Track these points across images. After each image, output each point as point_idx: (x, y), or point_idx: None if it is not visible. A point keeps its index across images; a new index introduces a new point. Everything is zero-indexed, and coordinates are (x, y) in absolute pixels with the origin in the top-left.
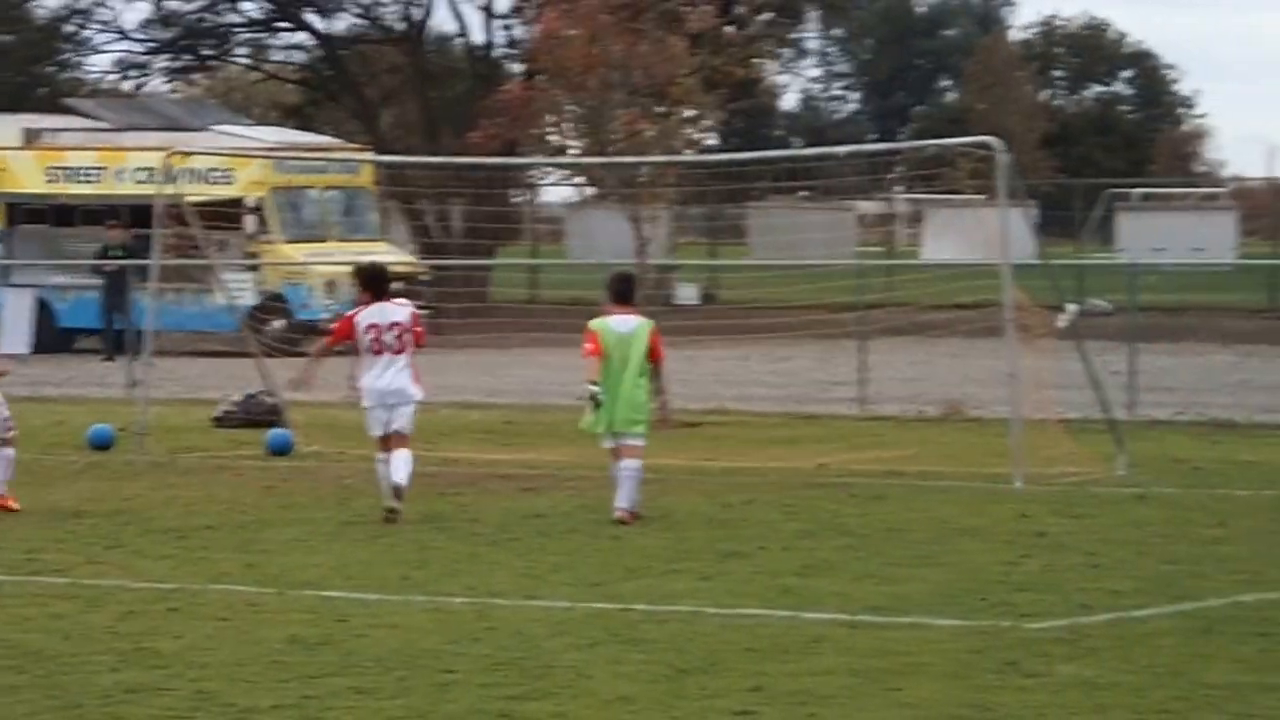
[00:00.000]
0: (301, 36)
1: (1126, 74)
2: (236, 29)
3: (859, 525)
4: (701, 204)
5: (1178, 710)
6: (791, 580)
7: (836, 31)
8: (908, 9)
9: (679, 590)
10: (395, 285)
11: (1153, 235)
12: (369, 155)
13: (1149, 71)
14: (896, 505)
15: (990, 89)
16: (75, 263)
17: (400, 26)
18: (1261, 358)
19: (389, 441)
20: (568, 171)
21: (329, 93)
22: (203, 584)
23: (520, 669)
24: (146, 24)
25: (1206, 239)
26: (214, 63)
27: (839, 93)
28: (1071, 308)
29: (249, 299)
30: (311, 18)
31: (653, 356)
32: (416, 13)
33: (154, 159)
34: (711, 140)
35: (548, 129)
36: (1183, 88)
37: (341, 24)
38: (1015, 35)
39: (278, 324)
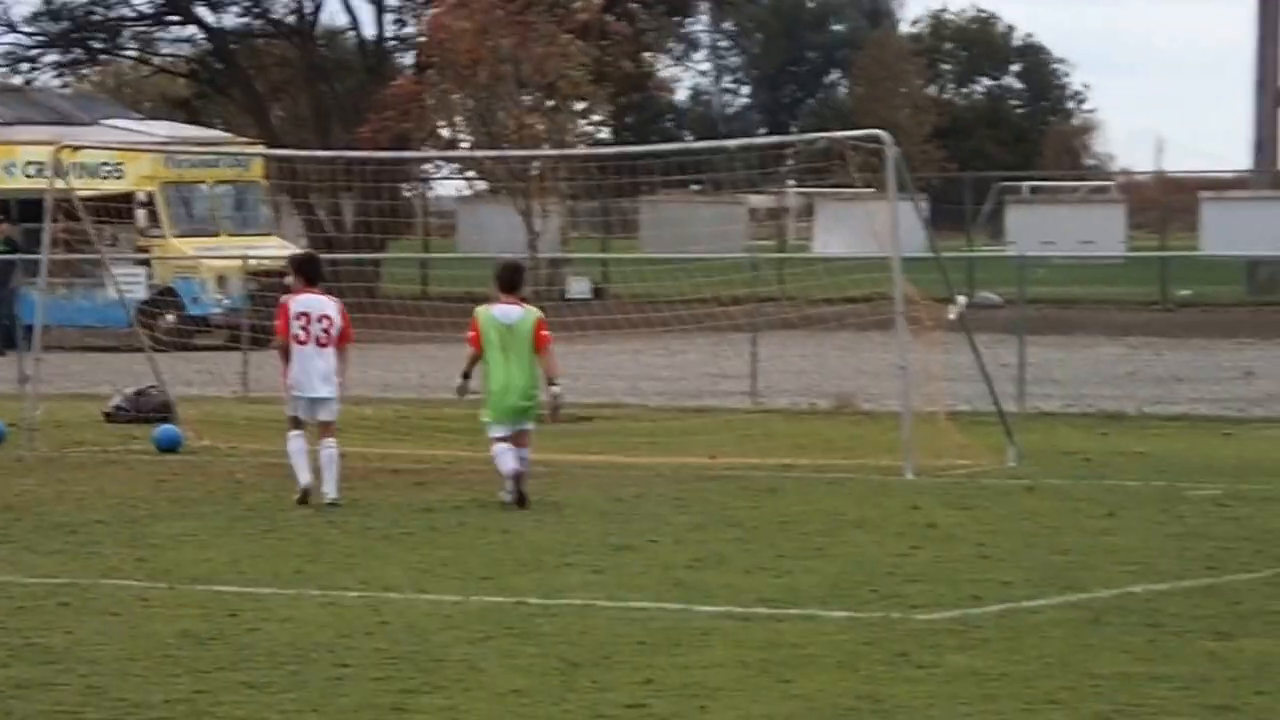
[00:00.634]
0: (191, 30)
1: (1016, 68)
2: (126, 22)
3: (750, 518)
4: (593, 198)
5: (1067, 700)
6: (683, 573)
7: (727, 25)
8: (798, 3)
9: (571, 583)
10: (286, 280)
11: (1042, 228)
12: (260, 149)
13: (1038, 65)
14: (788, 498)
15: (879, 83)
16: None
17: (290, 20)
18: (1150, 350)
19: (323, 430)
20: (459, 165)
21: (219, 87)
22: (93, 579)
23: (413, 663)
24: (35, 17)
25: (1095, 232)
26: (104, 57)
27: (730, 86)
28: (960, 300)
29: (140, 294)
30: (201, 11)
31: (539, 346)
32: (307, 6)
33: (43, 153)
34: (603, 134)
35: (438, 123)
36: (1072, 81)
37: (231, 18)
38: (904, 29)
39: (169, 319)
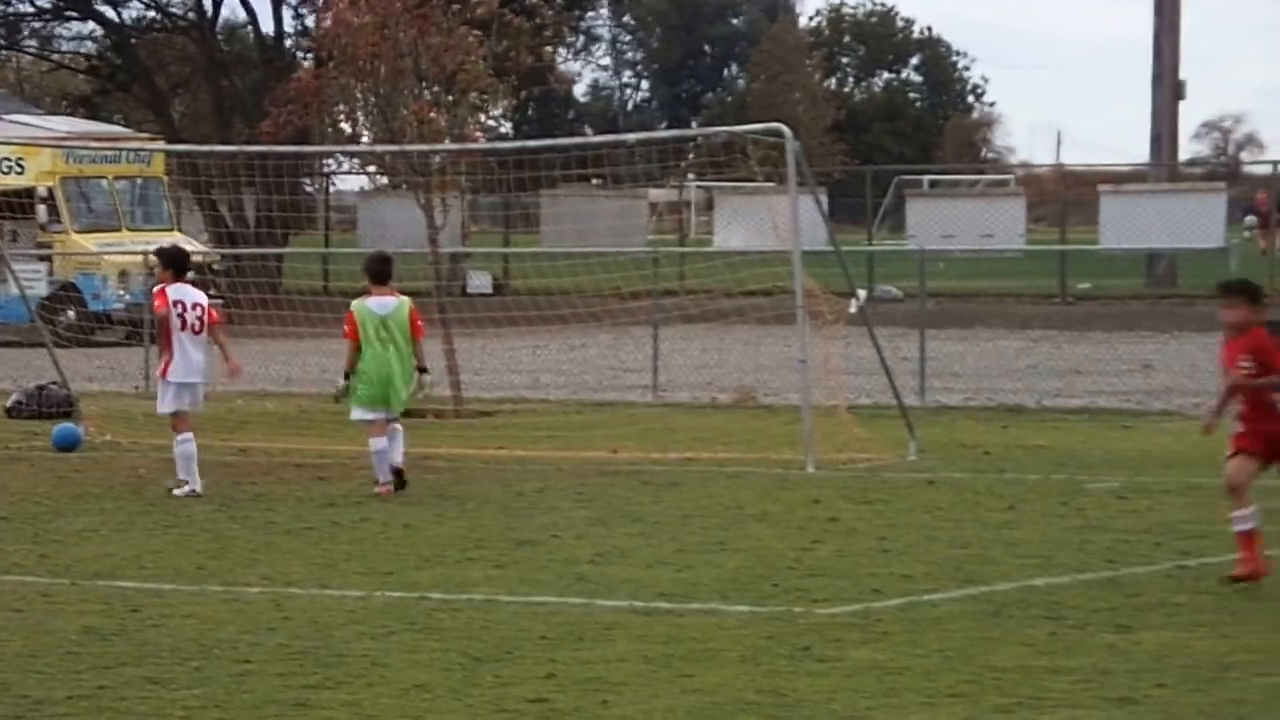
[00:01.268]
0: (92, 26)
1: (915, 61)
2: (26, 18)
3: (652, 512)
4: (493, 192)
5: (968, 693)
6: (585, 568)
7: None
8: None
9: (473, 578)
10: (190, 275)
11: (942, 222)
12: (161, 144)
13: (937, 59)
14: (689, 492)
15: (777, 77)
16: None
17: (190, 15)
18: (1050, 343)
19: (179, 421)
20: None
21: (119, 82)
22: None
23: (316, 658)
24: None
25: (995, 226)
26: (4, 52)
27: (630, 80)
28: (860, 293)
29: (41, 289)
30: (102, 7)
31: (414, 333)
32: (206, 1)
33: None
34: (504, 128)
35: (339, 117)
36: (972, 75)
37: (131, 13)
38: (803, 23)
39: (70, 314)
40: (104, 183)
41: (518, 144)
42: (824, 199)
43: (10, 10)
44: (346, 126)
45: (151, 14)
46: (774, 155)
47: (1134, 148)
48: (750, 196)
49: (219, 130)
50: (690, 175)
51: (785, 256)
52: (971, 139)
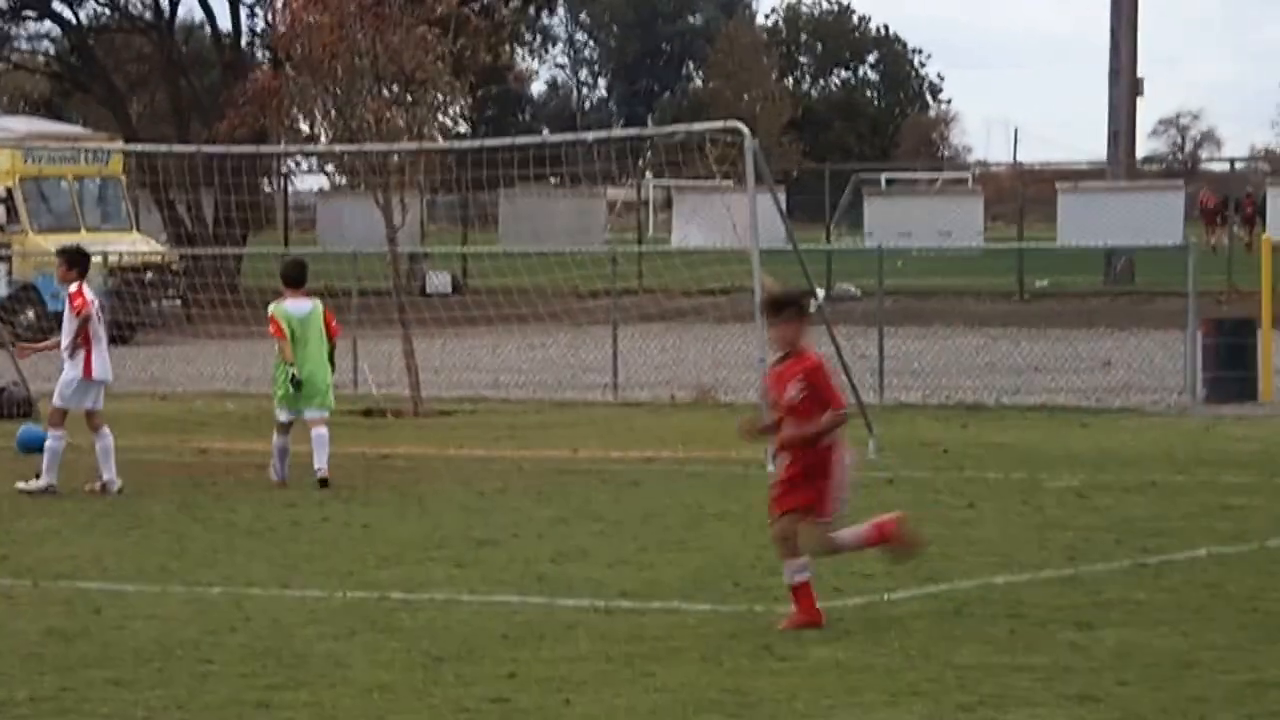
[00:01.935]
0: (49, 25)
1: (872, 59)
2: None
3: (612, 511)
4: (451, 191)
5: (929, 691)
6: (546, 567)
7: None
8: None
9: (434, 578)
10: (149, 275)
11: (900, 220)
12: (119, 144)
13: (894, 57)
14: (650, 491)
15: (734, 75)
16: None
17: (148, 15)
18: (1009, 340)
19: (97, 418)
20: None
21: (77, 82)
22: None
23: (278, 658)
24: None
25: (953, 223)
26: None
27: (587, 79)
28: (819, 292)
29: (0, 290)
30: (59, 6)
31: (329, 335)
32: (164, 1)
33: None
34: (462, 127)
35: (297, 117)
36: (929, 73)
37: (88, 12)
38: (759, 21)
39: (29, 315)
40: (63, 183)
41: (476, 143)
42: (782, 197)
43: None
44: (305, 126)
45: (109, 13)
46: (732, 153)
47: (1091, 145)
48: (708, 195)
49: (177, 130)
50: (648, 174)
51: (744, 255)
52: (929, 137)
